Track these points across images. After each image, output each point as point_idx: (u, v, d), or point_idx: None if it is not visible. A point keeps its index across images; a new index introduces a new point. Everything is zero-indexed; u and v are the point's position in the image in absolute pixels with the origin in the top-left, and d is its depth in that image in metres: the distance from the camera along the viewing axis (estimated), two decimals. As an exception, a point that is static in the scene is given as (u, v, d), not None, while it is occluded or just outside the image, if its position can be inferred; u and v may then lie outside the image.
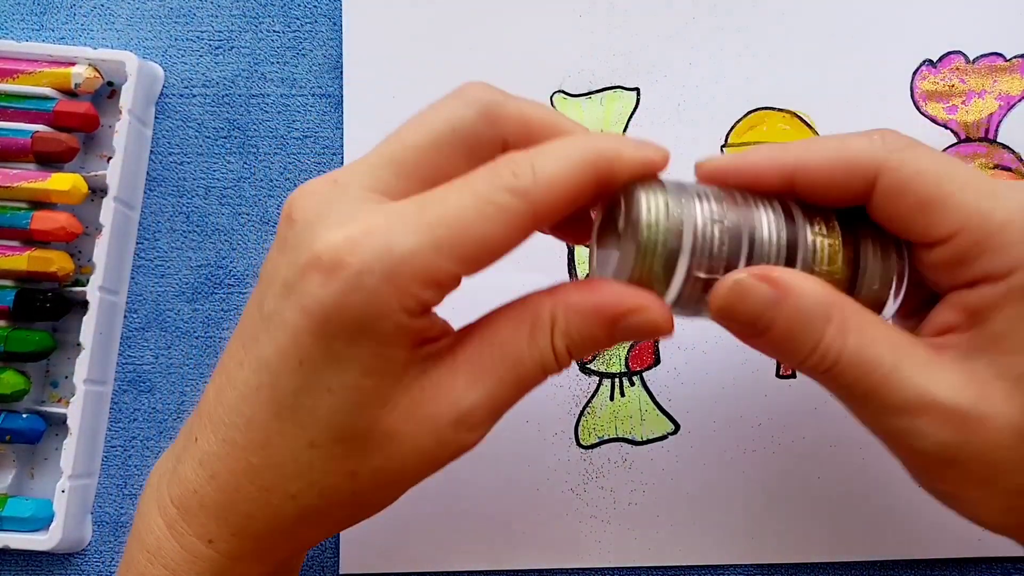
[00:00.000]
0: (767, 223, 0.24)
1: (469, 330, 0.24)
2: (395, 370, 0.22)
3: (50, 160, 0.36)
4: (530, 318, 0.23)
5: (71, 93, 0.36)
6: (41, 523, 0.33)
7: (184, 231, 0.37)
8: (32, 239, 0.35)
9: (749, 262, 0.24)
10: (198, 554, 0.23)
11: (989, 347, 0.23)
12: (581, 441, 0.35)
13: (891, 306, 0.25)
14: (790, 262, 0.24)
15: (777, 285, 0.23)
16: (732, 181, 0.25)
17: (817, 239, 0.24)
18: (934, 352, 0.23)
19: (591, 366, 0.35)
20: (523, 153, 0.22)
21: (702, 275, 0.23)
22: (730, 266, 0.23)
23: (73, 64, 0.36)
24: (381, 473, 0.23)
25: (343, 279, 0.21)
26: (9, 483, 0.35)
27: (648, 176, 0.24)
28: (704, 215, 0.23)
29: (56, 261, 0.35)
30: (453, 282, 0.22)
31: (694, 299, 0.24)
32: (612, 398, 0.35)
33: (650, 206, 0.23)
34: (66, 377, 0.36)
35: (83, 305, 0.35)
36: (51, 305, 0.35)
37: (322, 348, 0.21)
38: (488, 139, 0.23)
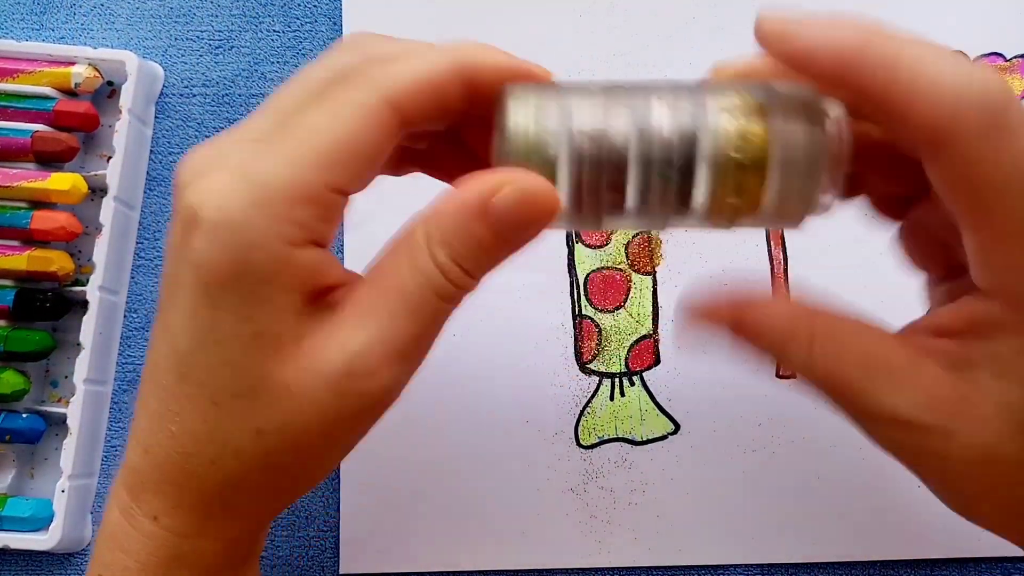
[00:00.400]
0: (660, 114, 0.21)
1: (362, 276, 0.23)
2: (283, 317, 0.21)
3: (50, 160, 0.36)
4: (405, 241, 0.22)
5: (71, 93, 0.36)
6: (41, 523, 0.33)
7: (184, 231, 0.37)
8: (32, 239, 0.35)
9: (639, 156, 0.21)
10: (148, 533, 0.23)
11: (984, 363, 0.21)
12: (581, 441, 0.35)
13: (828, 196, 0.22)
14: (688, 155, 0.21)
15: (734, 323, 0.24)
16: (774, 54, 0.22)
17: (725, 120, 0.21)
18: (914, 356, 0.22)
19: (591, 366, 0.35)
20: (383, 60, 0.22)
21: (587, 179, 0.21)
22: (618, 165, 0.21)
23: (73, 64, 0.36)
24: (287, 431, 0.22)
25: (212, 223, 0.20)
26: (9, 483, 0.35)
27: (525, 81, 0.22)
28: (581, 116, 0.21)
29: (56, 261, 0.35)
30: (331, 196, 0.21)
31: (594, 201, 0.22)
32: (612, 398, 0.35)
33: (517, 113, 0.21)
34: (66, 377, 0.36)
35: (83, 305, 0.35)
36: (51, 305, 0.35)
37: (207, 300, 0.21)
38: None
